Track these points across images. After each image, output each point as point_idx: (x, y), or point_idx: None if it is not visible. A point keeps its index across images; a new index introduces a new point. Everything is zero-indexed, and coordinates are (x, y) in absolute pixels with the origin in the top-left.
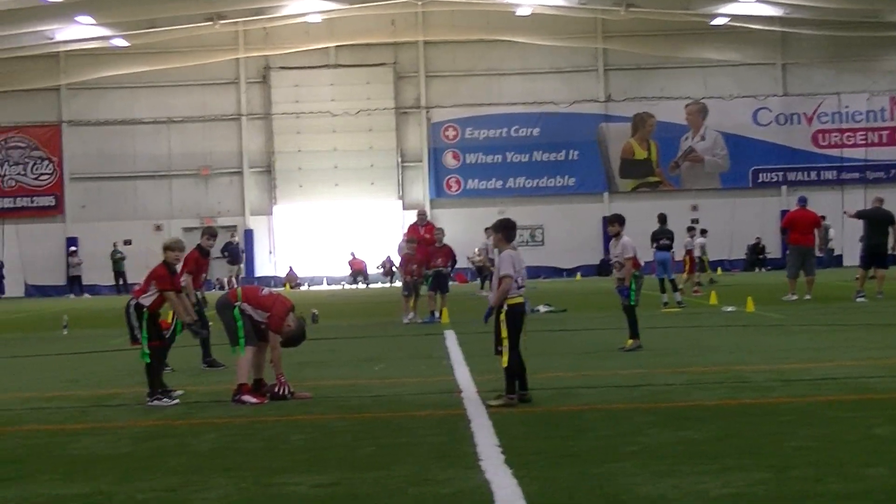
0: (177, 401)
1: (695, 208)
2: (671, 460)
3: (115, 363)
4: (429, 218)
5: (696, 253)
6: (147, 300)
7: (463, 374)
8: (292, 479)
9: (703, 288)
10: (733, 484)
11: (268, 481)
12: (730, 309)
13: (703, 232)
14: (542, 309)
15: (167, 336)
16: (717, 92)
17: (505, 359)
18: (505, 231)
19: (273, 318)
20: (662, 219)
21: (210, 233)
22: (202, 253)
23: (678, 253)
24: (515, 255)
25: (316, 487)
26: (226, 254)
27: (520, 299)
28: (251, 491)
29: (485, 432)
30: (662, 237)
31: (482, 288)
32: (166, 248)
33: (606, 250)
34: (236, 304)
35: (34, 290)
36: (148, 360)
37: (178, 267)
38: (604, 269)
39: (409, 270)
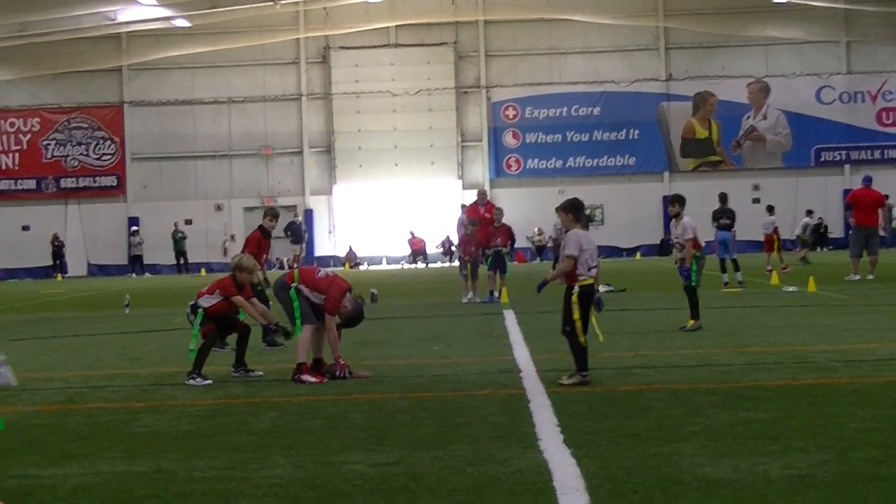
0: (209, 382)
1: (756, 188)
2: (732, 441)
3: (176, 342)
4: (488, 198)
5: (797, 231)
6: (206, 302)
7: (522, 354)
8: (352, 457)
9: (798, 266)
10: (795, 465)
11: (327, 460)
12: (791, 289)
13: (809, 212)
14: (602, 289)
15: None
16: (780, 70)
17: (582, 338)
18: (574, 211)
19: (329, 301)
20: (723, 198)
21: (272, 213)
22: (264, 234)
23: (758, 233)
24: (583, 235)
25: (375, 466)
26: (288, 233)
27: (590, 280)
28: (311, 469)
29: (544, 412)
30: (723, 216)
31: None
32: (241, 269)
33: (667, 230)
34: (292, 285)
35: (96, 269)
36: (193, 349)
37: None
38: (664, 248)
39: (467, 251)
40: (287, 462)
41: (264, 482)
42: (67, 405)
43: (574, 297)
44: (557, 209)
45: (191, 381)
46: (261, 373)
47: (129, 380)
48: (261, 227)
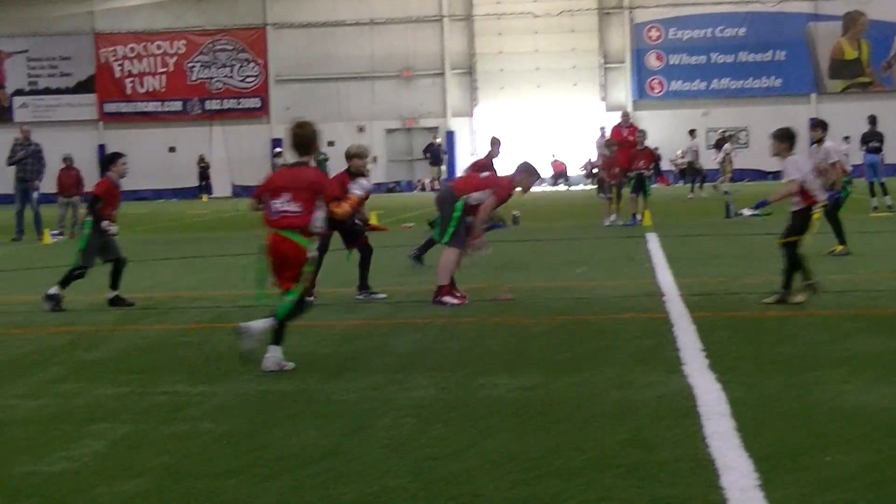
0: (383, 295)
1: None
2: (881, 369)
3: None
4: (631, 120)
5: None
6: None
7: (665, 277)
8: (493, 380)
9: None
10: None
11: (469, 382)
12: None
13: None
14: (747, 212)
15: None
16: None
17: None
18: (789, 140)
19: (498, 190)
20: (872, 121)
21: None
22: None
23: None
24: (800, 159)
25: (516, 390)
26: (427, 155)
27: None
28: (452, 391)
29: (688, 336)
30: (872, 139)
31: (693, 191)
32: (351, 156)
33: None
34: (462, 197)
35: (241, 191)
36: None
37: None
38: None
39: (611, 174)
40: (428, 384)
41: (406, 403)
42: (214, 324)
43: (815, 216)
44: (692, 131)
45: (360, 296)
46: (384, 295)
47: (275, 300)
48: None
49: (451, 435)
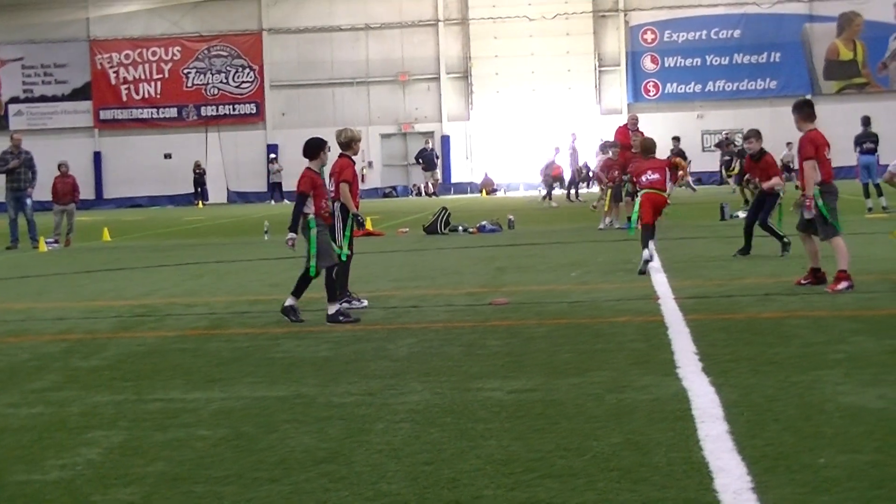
0: (364, 303)
1: None
2: (877, 369)
3: None
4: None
5: None
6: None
7: (661, 281)
8: (489, 384)
9: None
10: None
11: (465, 386)
12: None
13: None
14: (741, 214)
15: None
16: None
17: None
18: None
19: None
20: (866, 121)
21: None
22: None
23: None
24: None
25: (513, 393)
26: (420, 161)
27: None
28: (448, 395)
29: (683, 339)
30: (866, 140)
31: (546, 198)
32: (353, 142)
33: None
34: None
35: (236, 197)
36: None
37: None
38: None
39: (611, 176)
40: (424, 388)
41: (402, 408)
42: (210, 330)
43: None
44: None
45: (341, 318)
46: (366, 303)
47: (269, 305)
48: None
49: (447, 439)
